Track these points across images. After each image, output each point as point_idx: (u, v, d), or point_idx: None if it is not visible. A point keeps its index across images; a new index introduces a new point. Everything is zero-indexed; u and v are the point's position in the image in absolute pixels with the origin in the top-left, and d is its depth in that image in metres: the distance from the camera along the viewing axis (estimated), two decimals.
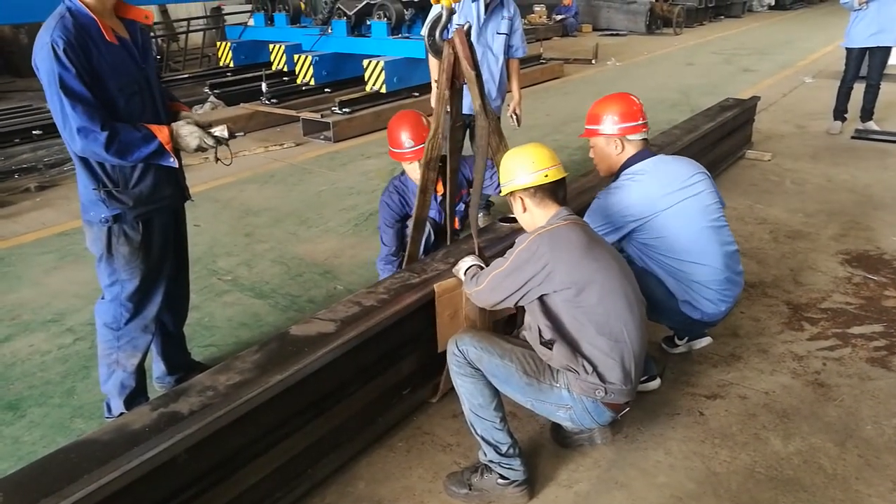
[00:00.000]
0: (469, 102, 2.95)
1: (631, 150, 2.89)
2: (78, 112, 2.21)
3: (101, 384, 2.76)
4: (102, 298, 2.67)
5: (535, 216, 2.41)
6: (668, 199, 2.79)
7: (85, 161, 2.41)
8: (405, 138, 3.26)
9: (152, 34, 12.66)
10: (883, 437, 2.66)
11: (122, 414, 2.64)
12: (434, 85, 4.64)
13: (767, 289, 3.85)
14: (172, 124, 2.46)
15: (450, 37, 2.74)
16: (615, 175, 2.96)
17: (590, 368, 2.22)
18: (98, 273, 2.62)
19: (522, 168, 2.39)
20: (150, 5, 12.07)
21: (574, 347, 2.25)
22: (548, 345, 2.28)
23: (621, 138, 2.87)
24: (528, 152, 2.42)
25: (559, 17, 17.10)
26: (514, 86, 4.79)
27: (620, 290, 2.26)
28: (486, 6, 4.42)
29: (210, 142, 2.49)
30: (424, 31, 2.84)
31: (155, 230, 2.61)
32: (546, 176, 2.36)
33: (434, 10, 2.77)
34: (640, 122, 2.87)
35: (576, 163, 6.19)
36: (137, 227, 2.53)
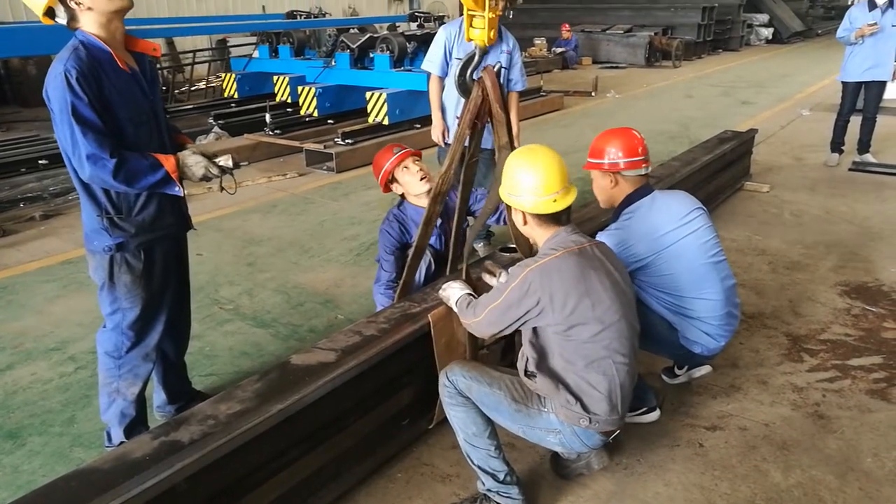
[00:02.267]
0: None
1: (630, 186, 2.92)
2: (89, 139, 2.25)
3: (102, 413, 2.76)
4: (104, 327, 2.69)
5: (534, 231, 2.37)
6: (669, 238, 2.82)
7: (88, 190, 2.45)
8: (394, 151, 3.43)
9: (158, 66, 12.87)
10: (883, 470, 2.65)
11: (122, 443, 2.63)
12: (435, 117, 4.72)
13: (767, 320, 3.86)
14: (179, 154, 2.49)
15: (478, 77, 2.75)
16: (615, 212, 2.99)
17: (573, 400, 2.23)
18: (100, 301, 2.64)
19: (530, 188, 2.27)
20: (156, 38, 12.30)
21: (558, 380, 2.26)
22: (530, 376, 2.31)
23: (615, 174, 2.90)
24: (538, 169, 2.27)
25: (559, 50, 17.34)
26: (513, 118, 4.83)
27: (614, 325, 2.23)
28: None
29: (215, 171, 2.52)
30: (455, 70, 2.84)
31: (157, 259, 2.63)
32: (554, 202, 2.27)
33: (468, 50, 2.76)
34: (640, 157, 2.90)
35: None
36: (139, 256, 2.56)
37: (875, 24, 6.49)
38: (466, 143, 2.97)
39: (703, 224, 2.90)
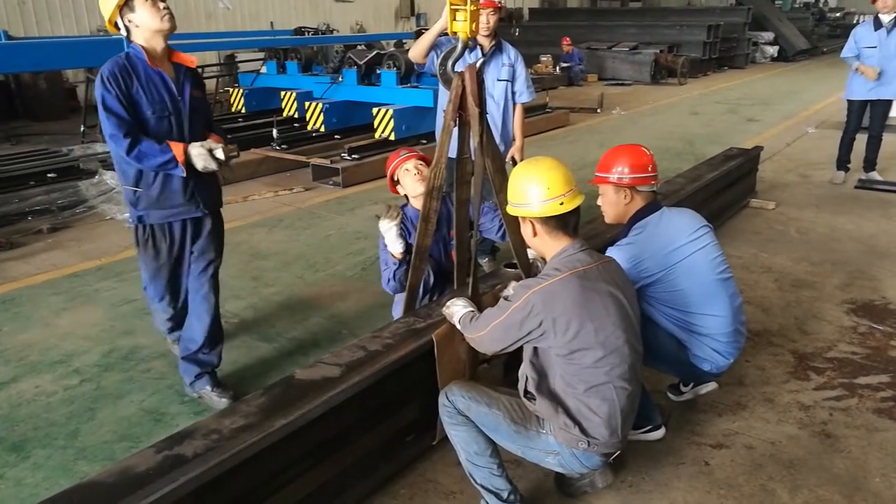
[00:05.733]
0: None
1: (640, 202, 2.92)
2: (110, 122, 2.85)
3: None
4: None
5: (544, 243, 2.35)
6: (679, 253, 2.82)
7: (120, 167, 3.05)
8: (402, 153, 3.49)
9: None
10: (892, 490, 2.63)
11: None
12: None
13: (773, 337, 3.84)
14: (189, 144, 2.96)
15: (462, 70, 2.79)
16: (624, 228, 2.98)
17: (571, 424, 2.21)
18: None
19: (535, 193, 2.27)
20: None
21: (557, 402, 2.24)
22: (529, 397, 2.30)
23: (630, 188, 2.89)
24: (543, 175, 2.29)
25: (564, 65, 17.37)
26: (517, 132, 4.83)
27: (617, 350, 2.21)
28: (484, 53, 4.49)
29: (213, 165, 2.98)
30: (438, 60, 2.89)
31: (163, 238, 3.18)
32: (561, 205, 2.26)
33: (451, 41, 2.83)
34: (649, 174, 2.90)
35: (582, 208, 6.23)
36: (148, 231, 3.15)
37: (879, 70, 6.57)
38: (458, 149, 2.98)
39: (711, 241, 2.90)
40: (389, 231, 3.20)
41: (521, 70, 4.65)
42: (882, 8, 6.54)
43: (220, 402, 3.23)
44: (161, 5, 2.91)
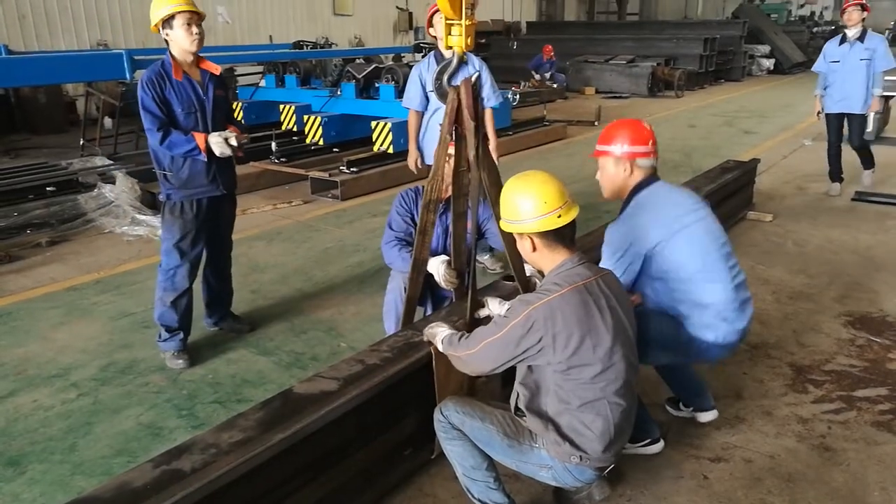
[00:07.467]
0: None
1: (639, 175, 2.91)
2: (147, 119, 3.53)
3: (155, 317, 3.85)
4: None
5: (543, 257, 2.33)
6: (682, 221, 2.80)
7: (155, 156, 3.68)
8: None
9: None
10: None
11: (165, 339, 3.84)
12: (410, 147, 4.90)
13: (770, 350, 3.84)
14: (209, 134, 3.60)
15: (457, 84, 2.81)
16: (623, 202, 2.96)
17: (562, 440, 2.21)
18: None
19: (530, 209, 2.26)
20: None
21: (548, 419, 2.24)
22: (519, 413, 2.30)
23: (630, 161, 2.88)
24: (536, 189, 2.27)
25: (538, 77, 16.86)
26: (490, 134, 4.91)
27: (614, 365, 2.20)
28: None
29: (228, 151, 3.62)
30: (433, 74, 2.93)
31: (187, 211, 3.72)
32: (559, 217, 2.25)
33: (447, 56, 2.88)
34: (649, 147, 2.90)
35: (579, 221, 6.24)
36: (177, 205, 3.71)
37: (819, 110, 7.00)
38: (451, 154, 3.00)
39: (710, 214, 2.91)
40: (437, 270, 3.25)
41: (486, 77, 4.85)
42: (847, 22, 6.65)
43: (242, 328, 4.21)
44: (194, 30, 3.53)
